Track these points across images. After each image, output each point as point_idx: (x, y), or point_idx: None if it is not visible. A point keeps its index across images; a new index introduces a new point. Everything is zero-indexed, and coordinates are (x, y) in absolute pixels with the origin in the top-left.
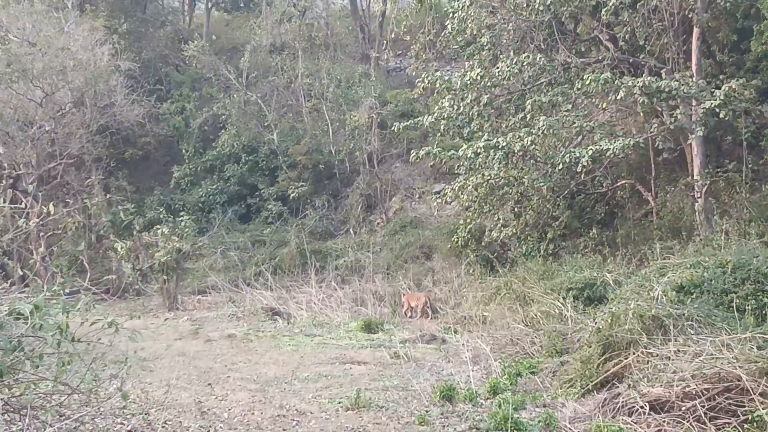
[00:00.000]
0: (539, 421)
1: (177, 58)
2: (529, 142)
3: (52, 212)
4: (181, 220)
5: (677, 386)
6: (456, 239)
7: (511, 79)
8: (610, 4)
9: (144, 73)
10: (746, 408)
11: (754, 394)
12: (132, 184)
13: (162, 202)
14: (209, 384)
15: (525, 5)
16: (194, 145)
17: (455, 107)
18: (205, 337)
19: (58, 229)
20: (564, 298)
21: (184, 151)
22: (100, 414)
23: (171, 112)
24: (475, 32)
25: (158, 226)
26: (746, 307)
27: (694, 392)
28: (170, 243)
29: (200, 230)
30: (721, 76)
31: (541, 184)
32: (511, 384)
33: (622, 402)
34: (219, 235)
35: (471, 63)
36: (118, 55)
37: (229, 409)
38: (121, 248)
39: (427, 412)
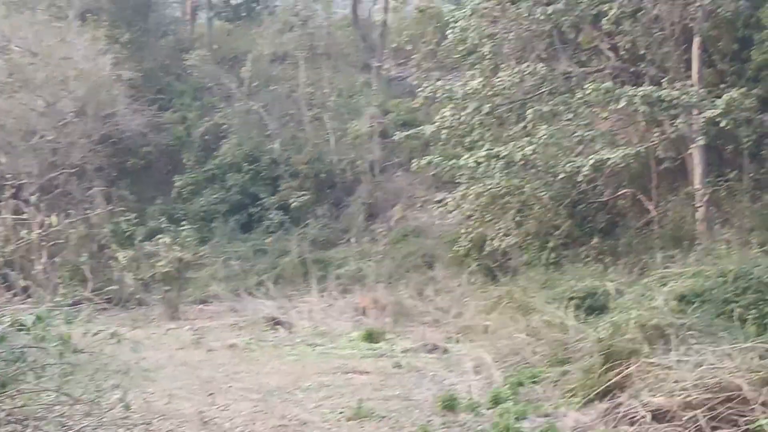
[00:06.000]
0: (541, 431)
1: (179, 68)
2: (530, 152)
3: (54, 223)
4: (183, 230)
5: (679, 396)
6: (458, 248)
7: (513, 88)
8: (611, 13)
9: (146, 82)
10: (747, 418)
11: (756, 404)
12: (134, 193)
13: (164, 211)
14: (211, 394)
15: (526, 15)
16: (196, 154)
17: (457, 116)
18: (206, 347)
19: (60, 239)
20: (565, 307)
21: (185, 160)
22: (102, 425)
23: (173, 121)
24: (476, 42)
25: (160, 236)
26: (748, 317)
27: (695, 402)
28: (172, 252)
29: (202, 240)
30: (722, 85)
31: (543, 193)
32: (512, 394)
33: (624, 412)
34: (220, 244)
35: (472, 72)
36: (120, 65)
37: (231, 420)
38: (123, 258)
39: (428, 422)
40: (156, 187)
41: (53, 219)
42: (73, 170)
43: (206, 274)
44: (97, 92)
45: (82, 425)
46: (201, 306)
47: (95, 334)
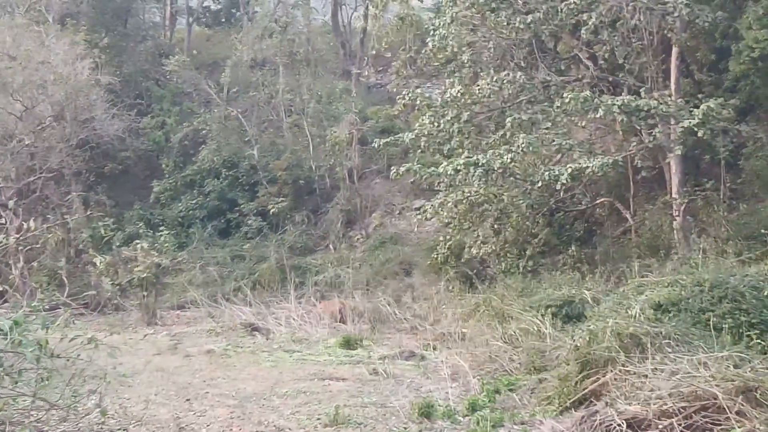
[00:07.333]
0: None
1: (158, 73)
2: (508, 160)
3: (32, 228)
4: (161, 235)
5: (654, 404)
6: (436, 256)
7: (492, 96)
8: (590, 23)
9: (124, 87)
10: (722, 426)
11: (731, 412)
12: (111, 198)
13: (141, 216)
14: (188, 400)
15: (505, 23)
16: (174, 159)
17: (436, 124)
18: (183, 353)
19: (37, 244)
20: (543, 315)
21: (164, 165)
22: (79, 430)
23: (151, 126)
24: (455, 50)
25: (137, 241)
26: (723, 326)
27: (671, 410)
28: (149, 258)
29: (180, 245)
30: (699, 96)
31: (521, 201)
32: (489, 401)
33: (600, 420)
34: (198, 250)
35: (451, 80)
36: (99, 70)
37: (208, 425)
38: (101, 263)
39: (405, 429)
40: (134, 192)
41: (31, 223)
42: (51, 175)
43: (184, 279)
44: (75, 97)
45: (59, 430)
46: (178, 311)
47: (72, 339)
